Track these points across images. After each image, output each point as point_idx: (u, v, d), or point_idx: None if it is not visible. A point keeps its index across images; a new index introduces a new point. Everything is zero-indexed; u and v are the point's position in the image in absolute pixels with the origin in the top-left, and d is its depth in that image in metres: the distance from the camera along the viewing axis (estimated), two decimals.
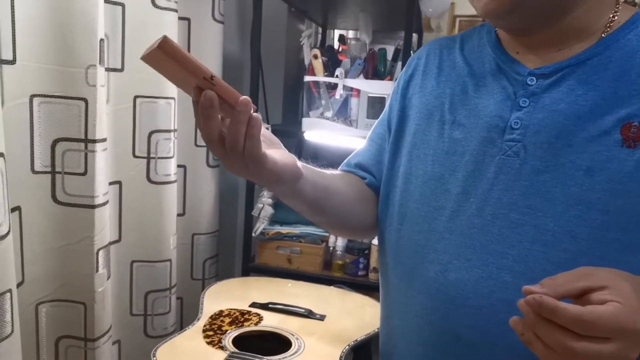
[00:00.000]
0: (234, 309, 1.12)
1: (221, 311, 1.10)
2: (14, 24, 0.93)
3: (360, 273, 1.50)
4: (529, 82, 0.62)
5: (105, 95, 1.18)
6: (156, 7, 1.22)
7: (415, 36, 1.83)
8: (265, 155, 0.55)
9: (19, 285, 1.00)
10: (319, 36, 2.01)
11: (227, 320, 1.06)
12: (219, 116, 0.52)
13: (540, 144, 0.59)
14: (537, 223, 0.57)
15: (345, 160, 0.83)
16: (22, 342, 1.01)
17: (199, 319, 1.06)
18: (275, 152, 0.58)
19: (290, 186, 0.62)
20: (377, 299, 1.33)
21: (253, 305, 1.15)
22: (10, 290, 0.84)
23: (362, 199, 0.76)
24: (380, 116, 0.81)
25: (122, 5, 1.19)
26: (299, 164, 0.62)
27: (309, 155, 1.74)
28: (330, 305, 1.21)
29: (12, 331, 0.85)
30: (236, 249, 1.77)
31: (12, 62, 0.94)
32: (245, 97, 0.51)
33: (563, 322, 0.41)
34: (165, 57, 0.47)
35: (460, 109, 0.67)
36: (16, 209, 0.98)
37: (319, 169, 0.70)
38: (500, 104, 0.63)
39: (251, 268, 1.52)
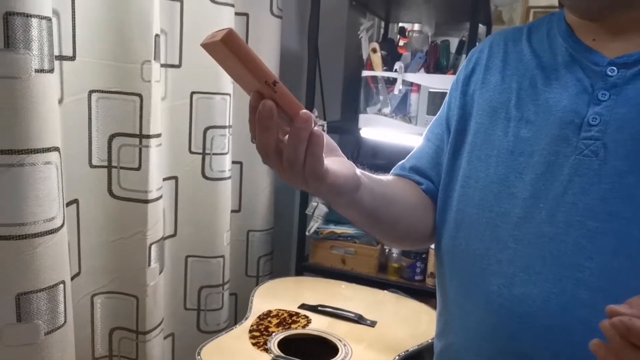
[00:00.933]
0: (283, 310, 1.09)
1: (269, 311, 1.08)
2: (74, 20, 0.95)
3: (417, 278, 1.43)
4: (609, 73, 0.54)
5: (162, 91, 1.19)
6: (214, 3, 1.21)
7: (482, 28, 1.73)
8: (327, 171, 0.48)
9: (75, 276, 1.03)
10: (381, 30, 1.95)
11: (275, 321, 1.04)
12: (277, 127, 0.47)
13: (623, 141, 0.51)
14: (620, 232, 0.50)
15: (400, 163, 0.77)
16: (78, 332, 1.05)
17: (246, 318, 1.05)
18: (335, 162, 0.52)
19: (349, 197, 0.56)
20: (434, 306, 1.26)
21: (302, 306, 1.12)
22: (63, 282, 0.86)
23: (419, 206, 0.70)
24: (437, 114, 0.74)
25: (181, 1, 1.20)
26: (358, 171, 0.56)
27: (367, 152, 1.70)
28: (382, 311, 1.16)
29: (65, 321, 0.87)
30: (292, 247, 1.75)
31: (72, 58, 0.96)
32: (305, 112, 0.44)
33: None
34: (227, 51, 0.42)
35: (528, 105, 0.60)
36: (74, 201, 1.01)
37: (374, 175, 0.64)
38: (575, 97, 0.56)
39: (305, 267, 1.49)
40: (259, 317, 1.05)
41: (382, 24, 1.96)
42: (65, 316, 0.87)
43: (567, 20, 0.61)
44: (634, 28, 0.54)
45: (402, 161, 0.77)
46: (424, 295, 1.36)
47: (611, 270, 0.50)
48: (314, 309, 1.11)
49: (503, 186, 0.59)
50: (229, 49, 0.42)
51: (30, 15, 0.75)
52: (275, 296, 1.18)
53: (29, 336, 0.82)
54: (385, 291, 1.30)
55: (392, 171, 0.77)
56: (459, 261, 0.63)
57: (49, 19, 0.78)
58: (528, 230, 0.56)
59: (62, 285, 0.86)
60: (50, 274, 0.83)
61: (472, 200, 0.62)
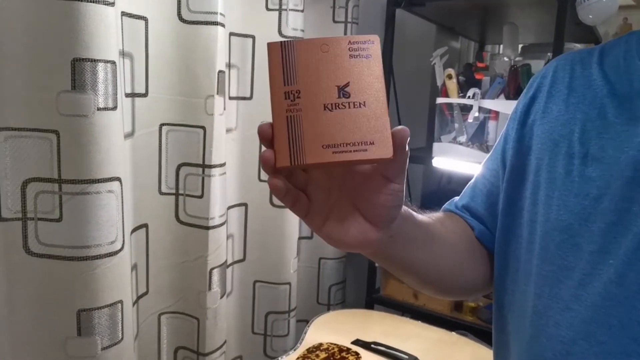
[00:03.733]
0: (334, 344, 1.07)
1: (320, 344, 1.07)
2: (147, 60, 1.04)
3: None
4: None
5: (233, 121, 1.26)
6: (283, 37, 1.26)
7: (580, 47, 1.57)
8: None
9: (143, 295, 1.11)
10: (472, 52, 1.87)
11: (322, 355, 1.02)
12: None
13: None
14: None
15: (454, 199, 0.70)
16: (146, 347, 1.12)
17: (295, 350, 1.04)
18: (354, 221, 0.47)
19: (376, 251, 0.51)
20: None
21: (356, 342, 1.09)
22: (121, 301, 0.93)
23: (468, 255, 0.63)
24: (493, 148, 0.67)
25: (253, 37, 1.26)
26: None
27: (444, 180, 1.62)
28: (443, 355, 1.08)
29: (122, 338, 0.94)
30: (365, 277, 1.71)
31: (145, 94, 1.05)
32: (264, 153, 0.41)
33: None
34: (268, 56, 0.42)
35: (595, 139, 0.52)
36: (144, 225, 1.09)
37: (421, 219, 0.57)
38: None
39: (376, 299, 1.45)
40: (307, 349, 1.04)
41: (476, 45, 1.88)
42: (122, 333, 0.94)
43: None
44: None
45: (456, 197, 0.70)
46: None
47: None
48: (366, 345, 1.07)
49: (565, 234, 0.51)
50: (268, 54, 0.42)
51: (96, 60, 0.84)
52: (332, 328, 1.16)
53: (87, 349, 0.89)
54: (453, 332, 1.21)
55: (445, 205, 0.71)
56: (524, 319, 0.55)
57: (113, 62, 0.87)
58: (593, 290, 0.47)
59: (120, 305, 0.93)
60: (108, 294, 0.90)
61: (535, 249, 0.55)
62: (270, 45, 0.41)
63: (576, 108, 0.55)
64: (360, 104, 0.42)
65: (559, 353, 0.48)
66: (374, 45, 0.42)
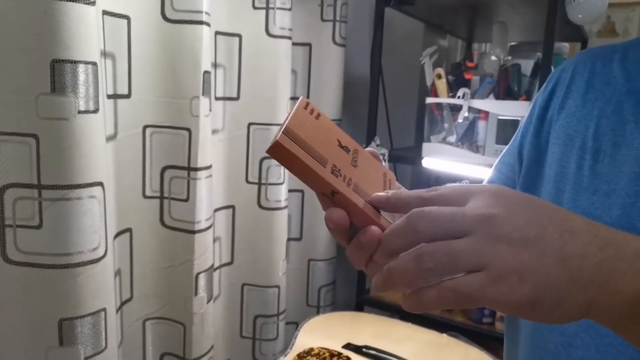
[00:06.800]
0: (325, 349, 1.05)
1: (311, 349, 1.05)
2: (130, 61, 1.01)
3: (485, 320, 1.31)
4: None
5: (220, 122, 1.23)
6: (270, 36, 1.23)
7: (568, 46, 1.57)
8: None
9: (127, 301, 1.08)
10: (460, 50, 1.86)
11: None
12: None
13: None
14: None
15: None
16: (130, 355, 1.10)
17: (285, 355, 1.02)
18: None
19: None
20: (501, 356, 1.14)
21: (347, 346, 1.07)
22: (104, 309, 0.90)
23: None
24: (510, 142, 0.66)
25: (239, 36, 1.23)
26: None
27: (432, 181, 1.61)
28: (435, 358, 1.07)
29: (106, 347, 0.91)
30: (355, 279, 1.70)
31: (128, 96, 1.03)
32: (373, 231, 0.38)
33: None
34: (283, 157, 0.37)
35: (608, 135, 0.51)
36: (127, 230, 1.06)
37: None
38: None
39: (365, 301, 1.44)
40: (298, 354, 1.03)
41: (463, 44, 1.87)
42: (106, 341, 0.91)
43: None
44: None
45: None
46: (491, 340, 1.24)
47: None
48: (358, 349, 1.06)
49: None
50: (279, 157, 0.37)
51: (77, 62, 0.81)
52: (321, 332, 1.14)
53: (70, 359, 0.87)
54: (444, 334, 1.20)
55: None
56: None
57: (94, 64, 0.84)
58: None
59: (103, 312, 0.90)
60: (91, 302, 0.87)
61: None
62: (282, 139, 0.36)
63: (593, 104, 0.54)
64: (356, 149, 0.44)
65: (561, 345, 0.49)
66: (312, 103, 0.44)
